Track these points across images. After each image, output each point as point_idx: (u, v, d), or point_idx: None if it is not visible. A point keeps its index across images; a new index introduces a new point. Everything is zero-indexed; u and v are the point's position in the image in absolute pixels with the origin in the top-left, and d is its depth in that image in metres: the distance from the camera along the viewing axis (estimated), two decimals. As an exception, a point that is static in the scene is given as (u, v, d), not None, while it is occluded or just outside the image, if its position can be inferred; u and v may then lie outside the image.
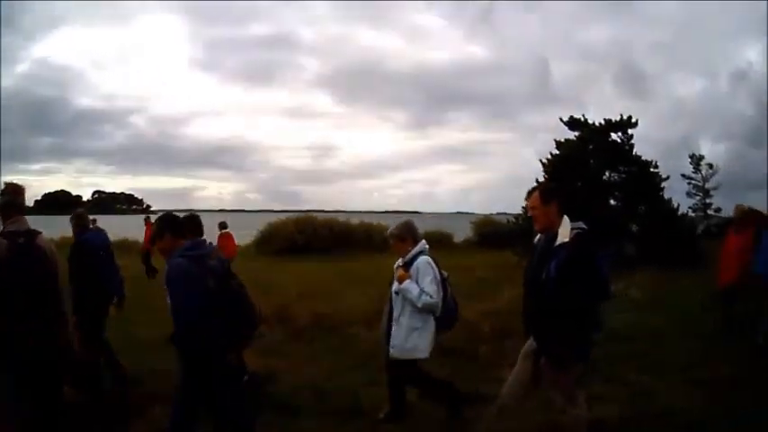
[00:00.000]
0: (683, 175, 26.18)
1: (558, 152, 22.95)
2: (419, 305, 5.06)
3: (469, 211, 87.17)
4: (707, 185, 33.55)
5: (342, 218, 31.45)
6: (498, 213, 35.42)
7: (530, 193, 4.37)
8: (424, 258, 5.29)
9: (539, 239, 4.36)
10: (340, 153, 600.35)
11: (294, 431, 5.21)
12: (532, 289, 4.26)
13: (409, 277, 5.17)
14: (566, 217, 4.15)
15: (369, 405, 5.66)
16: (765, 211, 9.09)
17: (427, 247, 5.52)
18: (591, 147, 22.76)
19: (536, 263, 4.24)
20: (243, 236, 25.88)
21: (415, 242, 5.46)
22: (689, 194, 30.82)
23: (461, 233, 31.52)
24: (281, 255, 24.43)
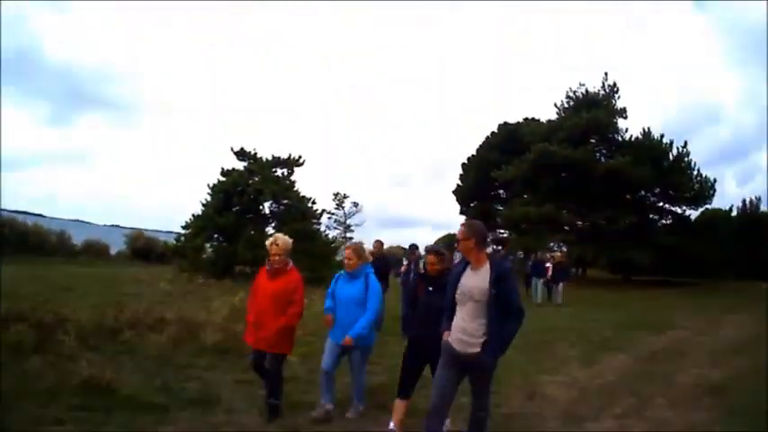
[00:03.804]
0: (324, 210, 29.61)
1: (223, 179, 24.58)
2: None
3: (89, 221, 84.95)
4: (348, 221, 37.05)
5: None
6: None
7: None
8: None
9: None
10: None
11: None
12: None
13: None
14: None
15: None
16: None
17: None
18: (256, 179, 24.54)
19: None
20: None
21: None
22: (328, 227, 34.22)
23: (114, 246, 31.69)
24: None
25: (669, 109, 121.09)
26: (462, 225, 4.94)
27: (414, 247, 12.41)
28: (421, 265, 10.97)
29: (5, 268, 16.60)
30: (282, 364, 6.10)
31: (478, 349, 4.57)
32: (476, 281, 4.67)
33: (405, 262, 12.54)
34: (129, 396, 5.94)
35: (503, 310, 4.58)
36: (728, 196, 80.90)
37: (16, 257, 22.38)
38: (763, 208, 51.18)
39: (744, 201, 52.38)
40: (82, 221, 74.38)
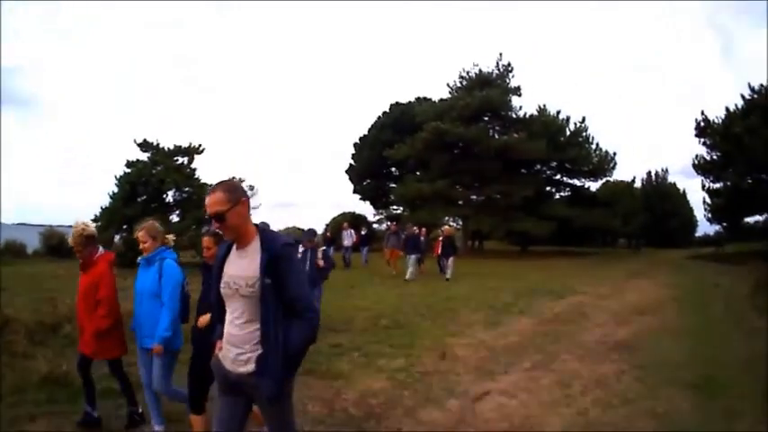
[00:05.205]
0: None
1: (129, 171, 24.68)
2: None
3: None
4: None
5: None
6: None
7: None
8: None
9: None
10: None
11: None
12: None
13: None
14: None
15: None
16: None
17: None
18: (159, 168, 24.66)
19: None
20: None
21: None
22: None
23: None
24: None
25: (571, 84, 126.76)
26: (219, 188, 3.14)
27: (312, 232, 10.43)
28: (320, 254, 9.79)
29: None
30: (120, 368, 5.31)
31: (252, 367, 3.07)
32: (241, 266, 3.17)
33: (300, 249, 9.73)
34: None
35: (284, 309, 3.08)
36: (636, 167, 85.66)
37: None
38: (670, 179, 55.06)
39: (648, 172, 55.75)
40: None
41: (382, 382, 6.65)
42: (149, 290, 4.91)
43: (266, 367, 3.01)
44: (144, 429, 5.13)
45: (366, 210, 46.55)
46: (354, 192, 46.32)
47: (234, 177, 37.23)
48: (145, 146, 25.57)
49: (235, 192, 3.14)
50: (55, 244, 29.80)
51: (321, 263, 9.70)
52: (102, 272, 5.06)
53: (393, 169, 43.93)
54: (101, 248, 5.25)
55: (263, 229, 3.27)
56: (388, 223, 34.36)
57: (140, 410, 5.31)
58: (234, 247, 3.26)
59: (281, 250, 3.08)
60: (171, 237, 5.29)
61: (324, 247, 10.11)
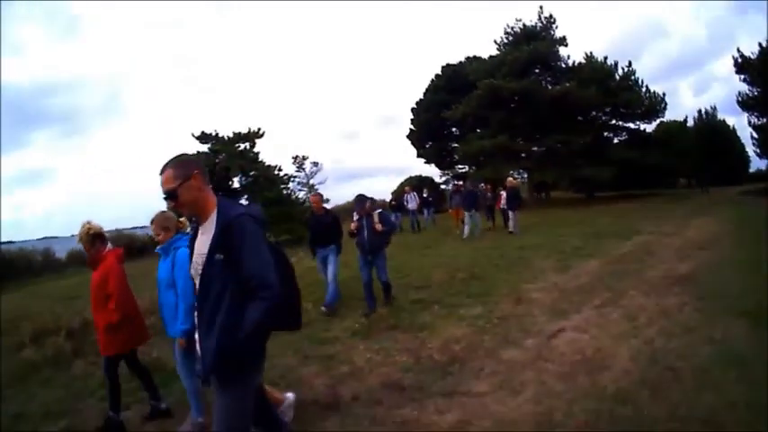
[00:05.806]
0: (286, 175, 29.68)
1: None
2: None
3: (56, 235, 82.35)
4: (311, 181, 37.41)
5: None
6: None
7: None
8: None
9: None
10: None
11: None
12: None
13: None
14: None
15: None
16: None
17: None
18: (221, 157, 25.40)
19: None
20: None
21: None
22: (293, 190, 34.58)
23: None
24: None
25: (614, 30, 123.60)
26: (168, 166, 2.99)
27: (362, 198, 9.43)
28: (376, 218, 9.07)
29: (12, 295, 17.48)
30: (112, 368, 5.21)
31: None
32: (201, 243, 3.00)
33: (355, 218, 9.41)
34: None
35: (242, 287, 2.81)
36: (686, 107, 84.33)
37: (13, 282, 23.05)
38: (719, 116, 54.30)
39: (699, 111, 55.15)
40: (49, 237, 72.99)
41: (463, 329, 7.22)
42: (165, 280, 4.90)
43: (214, 348, 2.80)
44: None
45: (432, 172, 47.10)
46: (418, 156, 47.11)
47: (297, 156, 37.99)
48: (204, 137, 26.20)
49: (185, 167, 2.97)
50: (122, 245, 31.03)
51: (379, 226, 8.95)
52: (110, 266, 5.12)
53: (453, 129, 44.35)
54: (109, 245, 5.36)
55: (220, 201, 3.08)
56: (454, 182, 34.76)
57: (119, 418, 5.27)
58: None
59: (232, 221, 2.88)
60: (184, 220, 5.14)
61: (379, 210, 9.36)
